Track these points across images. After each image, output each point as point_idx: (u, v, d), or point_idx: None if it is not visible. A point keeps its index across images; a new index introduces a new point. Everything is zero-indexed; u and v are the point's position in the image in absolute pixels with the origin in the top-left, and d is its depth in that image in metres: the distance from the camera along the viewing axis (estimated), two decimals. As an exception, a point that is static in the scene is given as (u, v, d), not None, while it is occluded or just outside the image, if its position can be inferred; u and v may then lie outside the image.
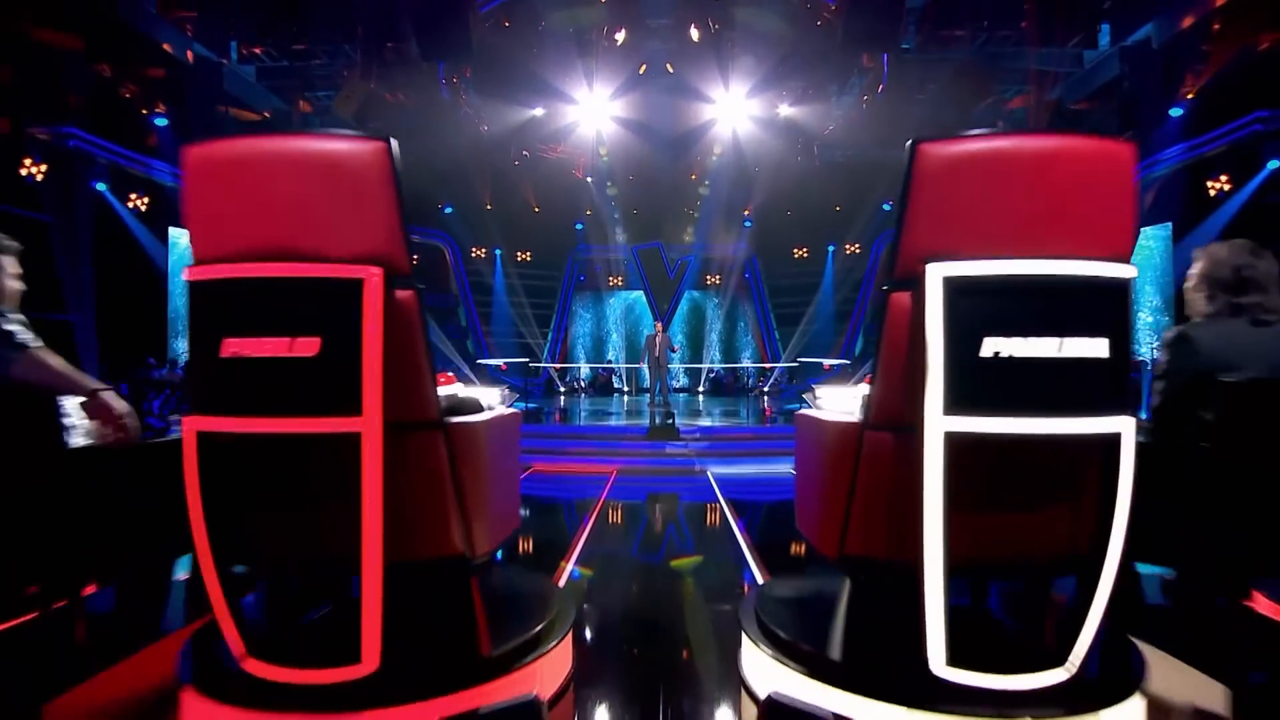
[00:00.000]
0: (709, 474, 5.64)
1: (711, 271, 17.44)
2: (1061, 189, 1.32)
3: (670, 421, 6.23)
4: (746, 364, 17.30)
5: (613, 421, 9.12)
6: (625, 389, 15.94)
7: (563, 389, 15.53)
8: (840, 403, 2.53)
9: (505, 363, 13.04)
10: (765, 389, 15.16)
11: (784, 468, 5.94)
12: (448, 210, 16.20)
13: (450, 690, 1.48)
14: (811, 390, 2.60)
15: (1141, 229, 10.52)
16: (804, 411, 1.98)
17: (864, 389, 2.44)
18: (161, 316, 9.85)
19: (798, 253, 17.52)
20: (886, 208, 15.42)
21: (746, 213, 16.43)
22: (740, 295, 17.39)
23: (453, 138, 13.56)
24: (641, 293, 16.72)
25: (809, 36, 10.50)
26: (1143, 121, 10.29)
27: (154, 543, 1.79)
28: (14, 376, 1.61)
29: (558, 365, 16.31)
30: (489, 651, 1.61)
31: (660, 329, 9.22)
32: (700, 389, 15.73)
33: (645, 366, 9.27)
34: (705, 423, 8.62)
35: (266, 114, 11.38)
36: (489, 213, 16.24)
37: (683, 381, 16.92)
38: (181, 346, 12.42)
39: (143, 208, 10.78)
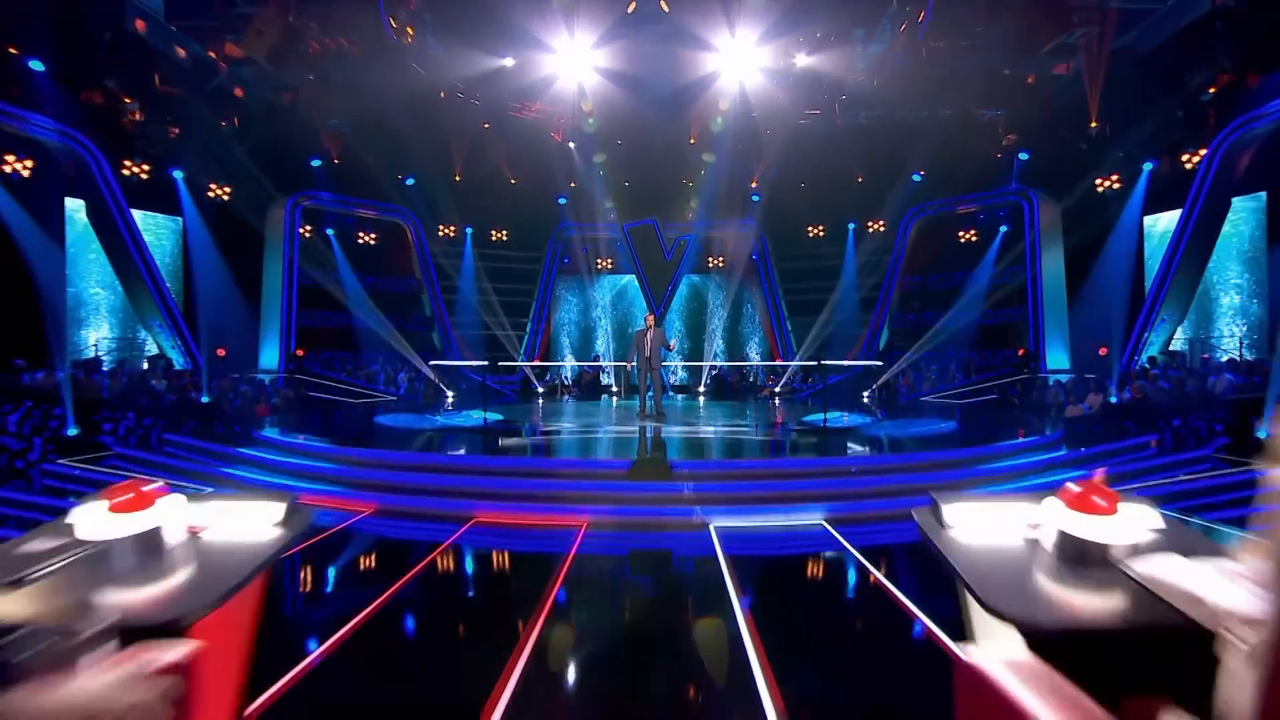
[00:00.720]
0: (711, 529, 4.41)
1: (714, 252, 16.23)
2: None
3: (661, 454, 5.00)
4: (755, 360, 16.03)
5: (596, 430, 7.91)
6: (615, 388, 14.64)
7: (541, 389, 14.23)
8: (1005, 534, 1.27)
9: (483, 365, 11.75)
10: (776, 390, 13.91)
11: (812, 518, 4.70)
12: (409, 182, 14.82)
13: None
14: (934, 507, 1.34)
15: (1232, 199, 8.97)
16: (996, 678, 0.70)
17: (1060, 518, 1.17)
18: (38, 308, 8.46)
19: (813, 231, 16.27)
20: (917, 178, 14.09)
21: (754, 184, 15.12)
22: (747, 279, 16.17)
23: (410, 95, 12.16)
24: (634, 276, 15.39)
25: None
26: (1238, 70, 8.98)
27: None
28: None
29: (534, 364, 15.02)
30: None
31: (652, 322, 7.91)
32: (701, 389, 14.42)
33: (635, 366, 8.02)
34: (707, 433, 7.42)
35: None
36: (458, 185, 14.87)
37: (680, 378, 15.63)
38: (85, 340, 11.08)
39: (24, 172, 9.44)
